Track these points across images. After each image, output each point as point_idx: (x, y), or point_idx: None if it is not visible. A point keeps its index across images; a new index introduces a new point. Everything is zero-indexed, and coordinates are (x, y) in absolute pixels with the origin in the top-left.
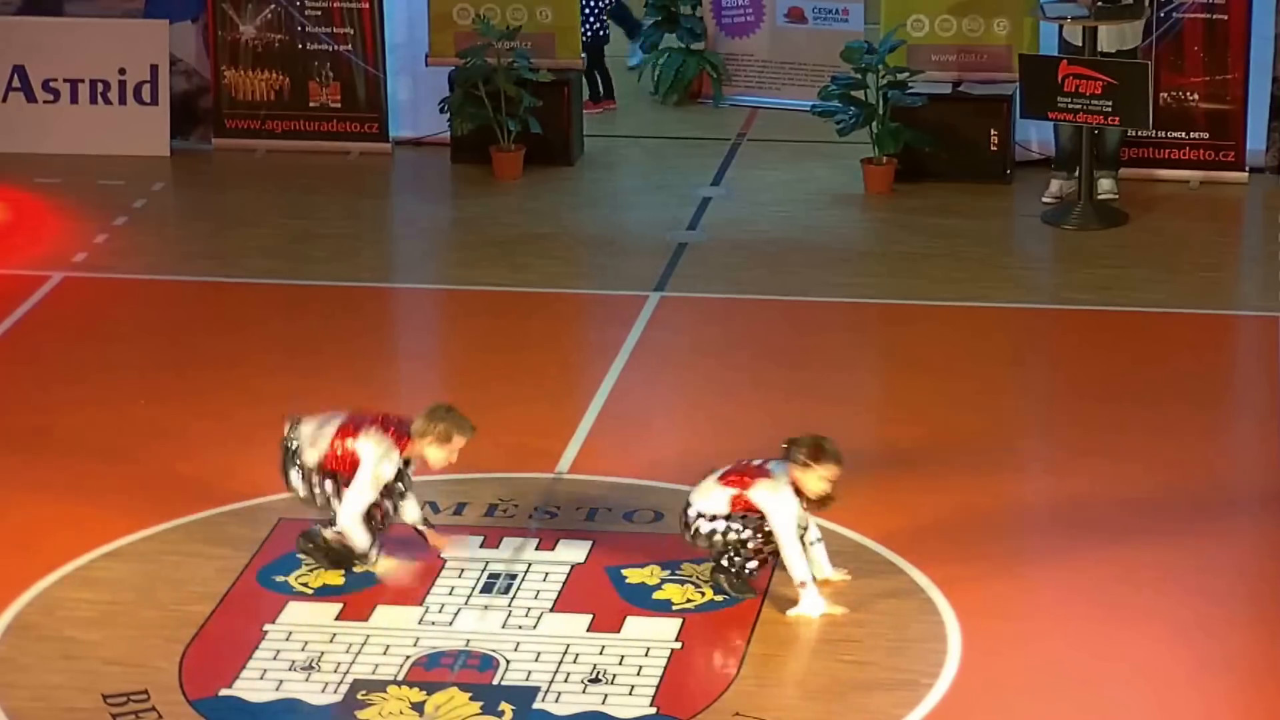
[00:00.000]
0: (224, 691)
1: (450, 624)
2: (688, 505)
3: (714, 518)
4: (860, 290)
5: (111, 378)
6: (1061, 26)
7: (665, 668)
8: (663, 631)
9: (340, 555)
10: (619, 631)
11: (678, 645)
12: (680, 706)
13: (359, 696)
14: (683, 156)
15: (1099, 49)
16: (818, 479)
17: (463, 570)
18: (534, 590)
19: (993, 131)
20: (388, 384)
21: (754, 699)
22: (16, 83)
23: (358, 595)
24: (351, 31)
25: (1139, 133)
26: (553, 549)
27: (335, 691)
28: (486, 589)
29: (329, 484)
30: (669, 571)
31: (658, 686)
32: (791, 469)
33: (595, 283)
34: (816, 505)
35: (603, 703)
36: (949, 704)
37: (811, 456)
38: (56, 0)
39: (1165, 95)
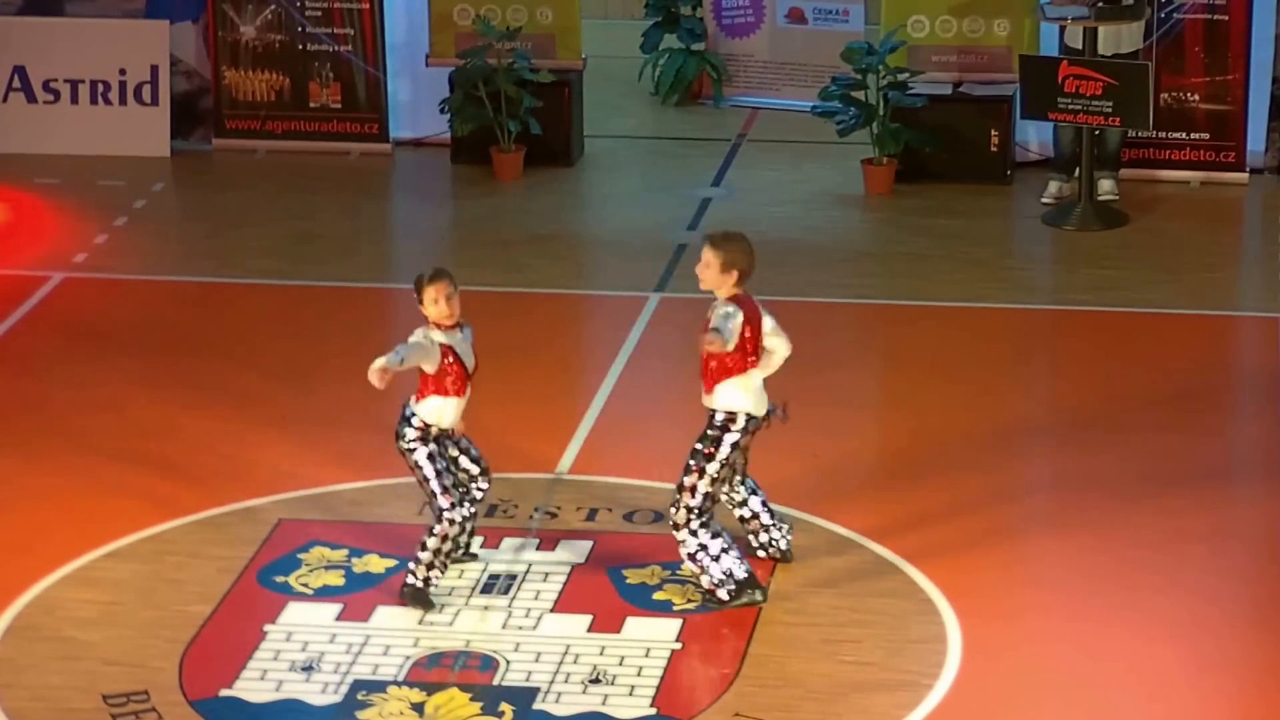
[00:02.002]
0: (224, 692)
1: (450, 624)
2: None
3: None
4: (860, 290)
5: (111, 378)
6: (1062, 28)
7: (665, 668)
8: (663, 632)
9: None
10: (619, 632)
11: (678, 646)
12: (680, 707)
13: (359, 697)
14: (683, 157)
15: (1099, 50)
16: (429, 305)
17: (463, 571)
18: (534, 591)
19: (993, 132)
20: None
21: (754, 699)
22: (17, 83)
23: (358, 596)
24: (352, 32)
25: (1139, 133)
26: (553, 550)
27: (335, 692)
28: (486, 589)
29: None
30: (669, 572)
31: (658, 687)
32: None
33: (595, 283)
34: (446, 323)
35: (603, 703)
36: (949, 705)
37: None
38: (57, 0)
39: (1166, 96)
